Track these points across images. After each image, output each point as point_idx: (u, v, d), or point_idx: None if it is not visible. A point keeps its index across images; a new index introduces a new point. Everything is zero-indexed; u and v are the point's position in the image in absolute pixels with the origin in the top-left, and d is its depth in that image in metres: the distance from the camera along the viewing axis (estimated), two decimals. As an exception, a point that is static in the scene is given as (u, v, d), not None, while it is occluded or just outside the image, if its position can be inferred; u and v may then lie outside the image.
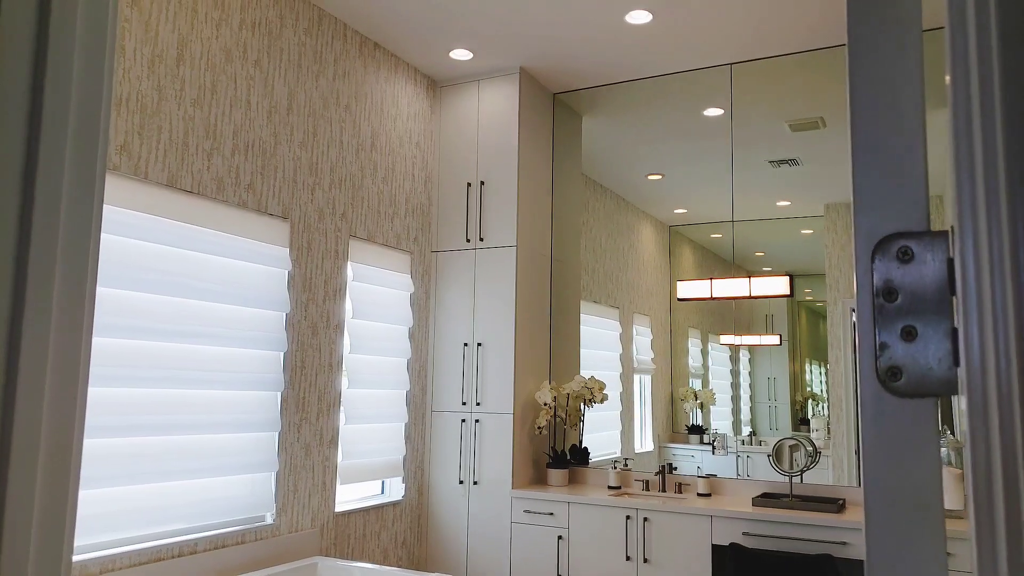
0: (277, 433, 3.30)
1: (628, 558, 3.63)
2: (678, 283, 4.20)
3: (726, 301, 4.18)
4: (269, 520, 3.26)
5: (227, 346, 3.08)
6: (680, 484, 4.00)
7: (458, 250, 4.34)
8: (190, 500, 2.93)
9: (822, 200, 4.01)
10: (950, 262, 0.44)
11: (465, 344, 4.24)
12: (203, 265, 3.01)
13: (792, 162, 4.07)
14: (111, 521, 2.64)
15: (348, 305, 3.76)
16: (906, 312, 0.45)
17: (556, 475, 4.13)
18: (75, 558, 2.53)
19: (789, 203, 4.05)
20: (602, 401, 4.15)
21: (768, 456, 3.68)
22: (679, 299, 4.17)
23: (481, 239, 4.27)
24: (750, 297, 3.95)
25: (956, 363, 0.44)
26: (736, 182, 4.14)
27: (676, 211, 4.36)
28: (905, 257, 0.45)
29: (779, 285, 3.86)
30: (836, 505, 3.40)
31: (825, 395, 3.92)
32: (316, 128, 3.60)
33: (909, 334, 0.44)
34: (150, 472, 2.76)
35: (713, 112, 4.25)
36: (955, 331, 0.44)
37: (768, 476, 3.87)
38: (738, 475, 3.97)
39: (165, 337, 2.82)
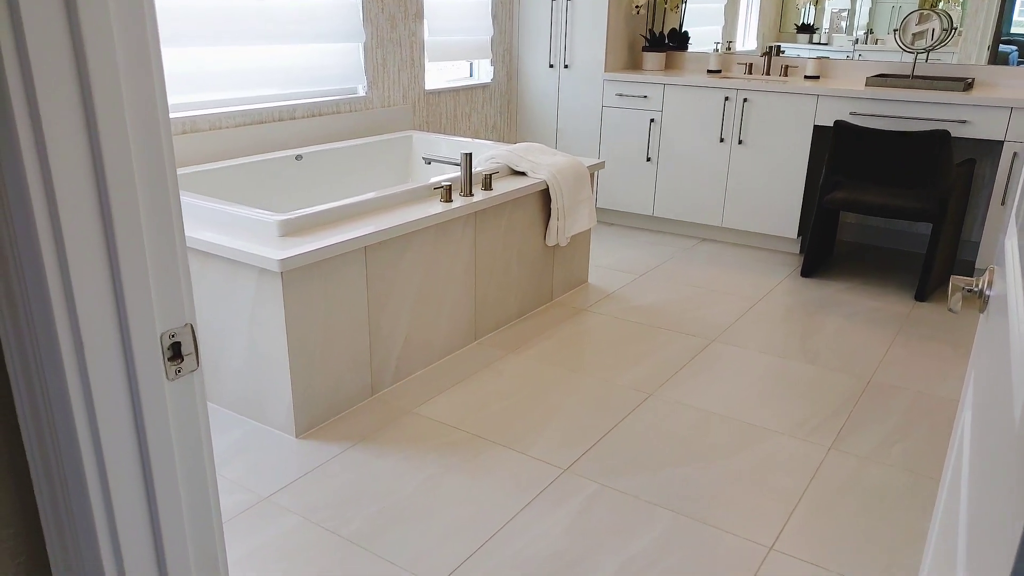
0: (360, 0, 3.11)
1: (722, 140, 3.56)
2: None
3: None
4: (361, 92, 3.25)
5: None
6: (786, 67, 3.72)
7: None
8: (284, 65, 2.90)
9: None
10: None
11: (556, -93, 3.70)
12: None
13: None
14: (211, 80, 2.66)
15: None
16: None
17: (652, 59, 3.89)
18: (184, 114, 2.61)
19: None
20: (710, -24, 3.69)
21: (894, 31, 3.29)
22: None
23: None
24: None
25: None
26: None
27: None
28: None
29: None
30: (963, 83, 3.10)
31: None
32: None
33: None
34: (239, 33, 2.69)
35: None
36: None
37: (888, 58, 3.53)
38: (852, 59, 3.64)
39: None
